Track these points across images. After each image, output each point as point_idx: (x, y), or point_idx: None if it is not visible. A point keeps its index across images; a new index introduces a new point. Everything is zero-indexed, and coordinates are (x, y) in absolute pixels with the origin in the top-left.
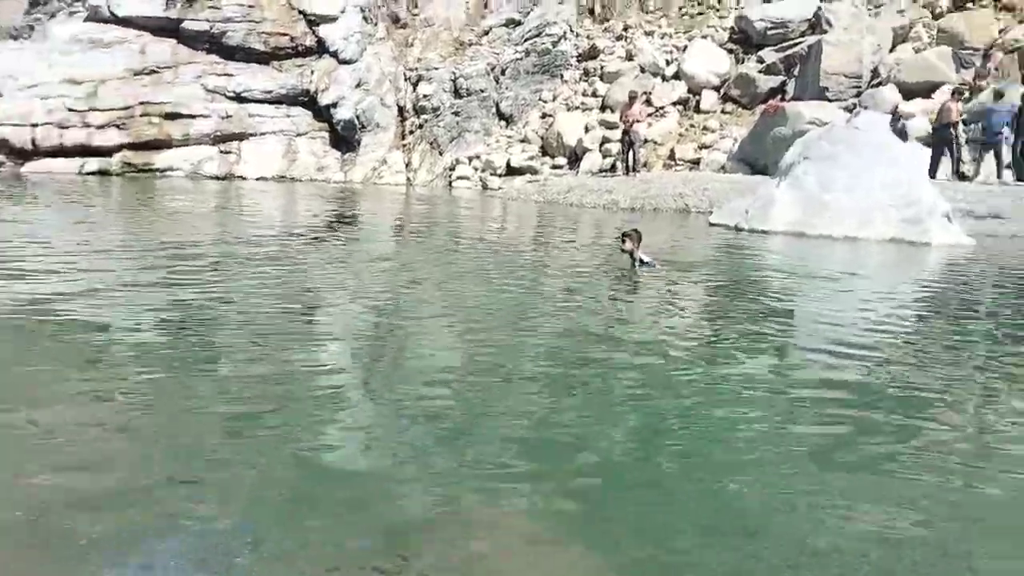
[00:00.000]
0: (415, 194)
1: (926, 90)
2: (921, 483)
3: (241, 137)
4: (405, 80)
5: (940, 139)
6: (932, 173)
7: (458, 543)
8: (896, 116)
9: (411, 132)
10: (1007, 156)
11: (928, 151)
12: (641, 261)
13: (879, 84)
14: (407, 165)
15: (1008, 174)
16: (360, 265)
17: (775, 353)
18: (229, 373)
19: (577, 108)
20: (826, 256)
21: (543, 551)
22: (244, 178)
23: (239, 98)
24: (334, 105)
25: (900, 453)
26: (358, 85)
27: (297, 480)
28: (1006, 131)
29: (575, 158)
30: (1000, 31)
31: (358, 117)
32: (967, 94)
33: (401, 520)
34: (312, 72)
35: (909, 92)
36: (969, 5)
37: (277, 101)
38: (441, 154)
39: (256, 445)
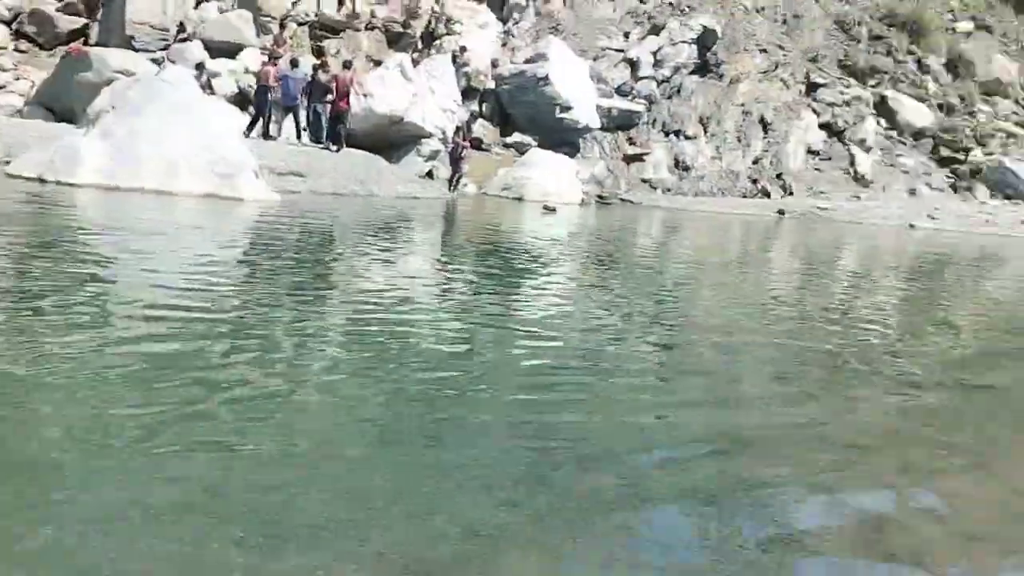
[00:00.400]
0: None
1: (231, 51)
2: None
3: None
4: None
5: (259, 101)
6: (249, 131)
7: None
8: (201, 69)
9: None
10: (303, 120)
11: (235, 108)
12: None
13: (186, 40)
14: None
15: (305, 136)
16: None
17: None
18: None
19: None
20: (145, 211)
21: None
22: None
23: None
24: None
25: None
26: None
27: None
28: (300, 97)
29: None
30: (292, 3)
31: None
32: (267, 58)
33: None
34: None
35: (215, 50)
36: None
37: None
38: None
39: None
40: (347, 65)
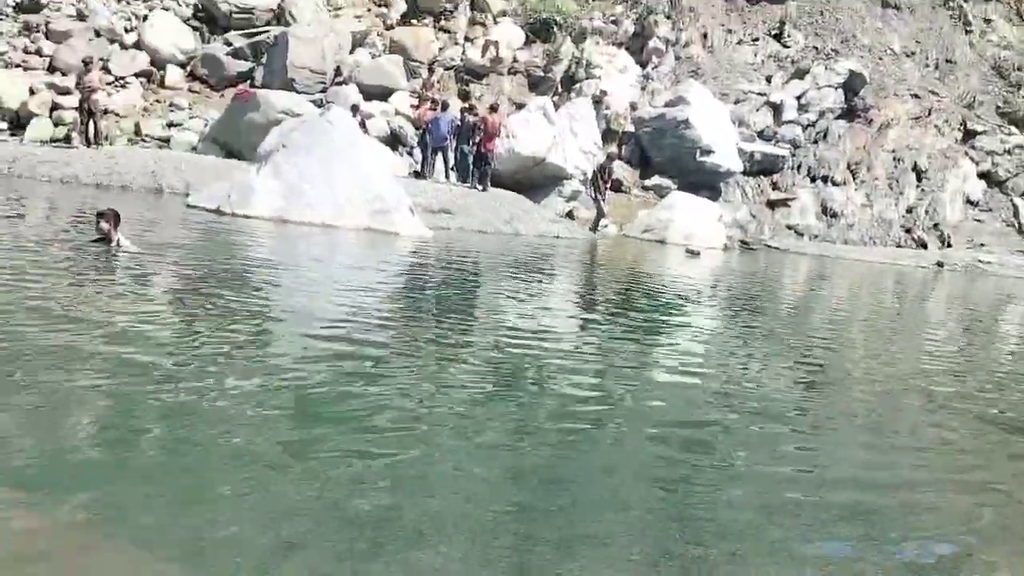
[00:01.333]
0: None
1: (383, 94)
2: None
3: None
4: None
5: (421, 142)
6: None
7: None
8: (356, 110)
9: None
10: (451, 160)
11: (387, 149)
12: (119, 244)
13: (343, 83)
14: None
15: (453, 176)
16: None
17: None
18: None
19: (18, 66)
20: (314, 244)
21: None
22: None
23: None
24: None
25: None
26: None
27: None
28: (450, 138)
29: (18, 124)
30: (440, 49)
31: None
32: (417, 102)
33: None
34: None
35: (369, 93)
36: (414, 21)
37: None
38: None
39: None
40: (494, 108)
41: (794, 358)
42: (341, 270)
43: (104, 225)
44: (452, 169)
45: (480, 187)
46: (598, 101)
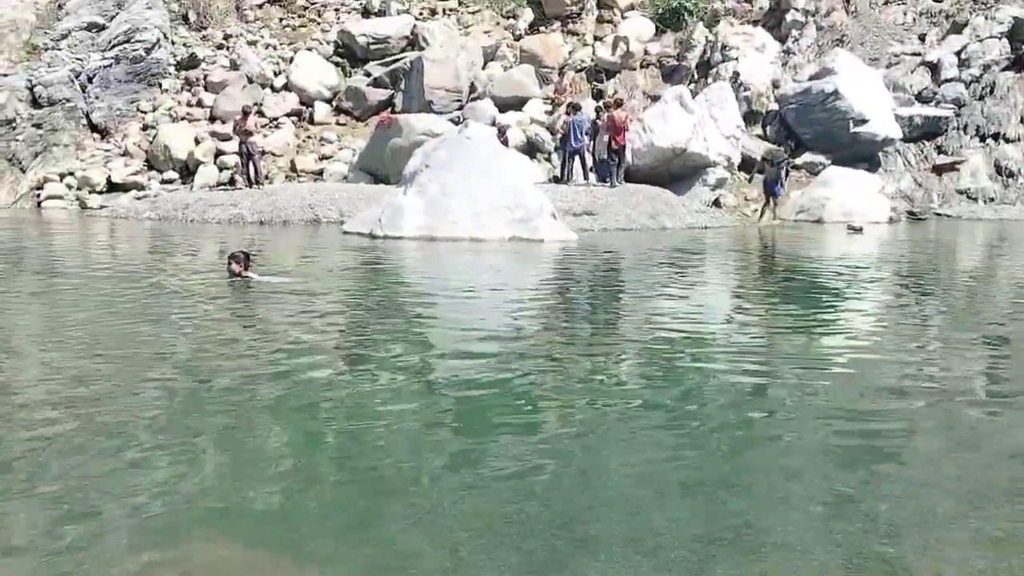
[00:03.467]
0: None
1: (517, 104)
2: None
3: None
4: None
5: (568, 150)
6: (565, 177)
7: None
8: (500, 128)
9: None
10: (589, 161)
11: (525, 158)
12: (249, 279)
13: (477, 98)
14: None
15: (592, 177)
16: None
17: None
18: None
19: (183, 119)
20: (461, 257)
21: None
22: None
23: None
24: None
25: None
26: None
27: None
28: (585, 139)
29: (188, 172)
30: (569, 52)
31: None
32: (551, 107)
33: None
34: None
35: (503, 105)
36: (542, 29)
37: None
38: (23, 171)
39: None
40: (618, 104)
41: (979, 337)
42: (490, 279)
43: (235, 267)
44: (591, 170)
45: (614, 184)
46: (737, 83)
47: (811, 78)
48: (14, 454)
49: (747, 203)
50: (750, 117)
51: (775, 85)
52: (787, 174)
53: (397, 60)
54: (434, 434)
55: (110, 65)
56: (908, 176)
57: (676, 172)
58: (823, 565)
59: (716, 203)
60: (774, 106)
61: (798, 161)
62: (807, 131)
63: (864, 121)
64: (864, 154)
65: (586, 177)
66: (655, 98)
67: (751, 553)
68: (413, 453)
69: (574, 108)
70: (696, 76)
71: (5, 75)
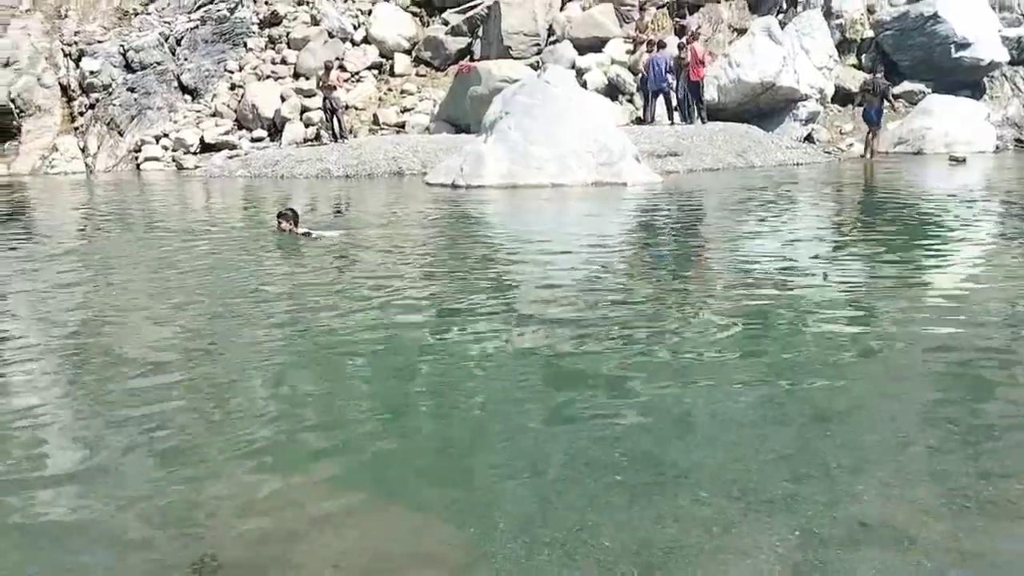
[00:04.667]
0: (101, 181)
1: (597, 45)
2: None
3: None
4: (65, 56)
5: (651, 89)
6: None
7: None
8: (573, 67)
9: (81, 113)
10: (674, 100)
11: (607, 100)
12: (308, 234)
13: (556, 41)
14: (83, 150)
15: (677, 116)
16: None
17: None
18: None
19: (268, 77)
20: (542, 203)
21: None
22: None
23: None
24: None
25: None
26: (6, 65)
27: None
28: (669, 78)
29: (275, 129)
30: None
31: (14, 101)
32: (633, 46)
33: None
34: None
35: (583, 47)
36: None
37: None
38: (122, 135)
39: None
40: (695, 36)
41: None
42: (574, 224)
43: (285, 225)
44: (675, 109)
45: (694, 122)
46: (829, 11)
47: (909, 1)
48: (128, 403)
49: (842, 137)
50: (844, 46)
51: (870, 11)
52: (888, 104)
53: (474, 6)
54: (525, 380)
55: (196, 27)
56: (1016, 102)
57: (765, 107)
58: (924, 504)
59: (808, 138)
60: (869, 33)
61: (896, 90)
62: (905, 58)
63: (967, 45)
64: (967, 80)
65: (671, 117)
66: (742, 31)
67: (847, 494)
68: (505, 398)
69: (658, 46)
70: (785, 6)
71: (100, 41)
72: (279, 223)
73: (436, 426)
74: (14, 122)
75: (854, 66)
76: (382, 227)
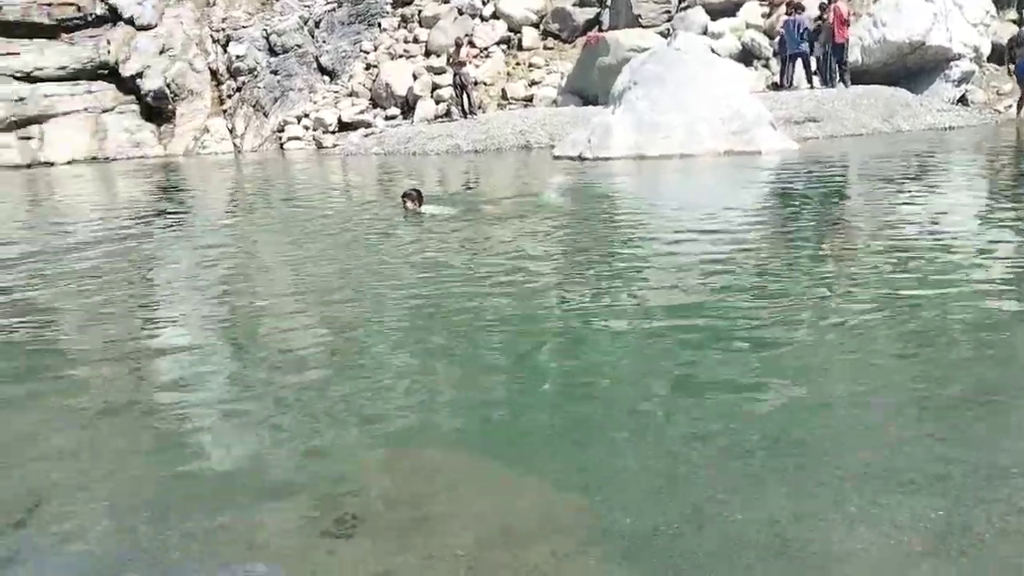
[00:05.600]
0: (248, 160)
1: (731, 10)
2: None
3: (40, 120)
4: (213, 42)
5: (789, 53)
6: (786, 83)
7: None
8: (705, 33)
9: (229, 96)
10: (813, 64)
11: (741, 66)
12: (431, 216)
13: (687, 7)
14: (231, 131)
15: (816, 80)
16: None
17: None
18: None
19: (401, 56)
20: (673, 175)
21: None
22: (51, 164)
23: (30, 78)
24: (139, 75)
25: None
26: (162, 52)
27: None
28: (804, 46)
29: (408, 107)
30: None
31: (168, 86)
32: (769, 9)
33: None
34: (108, 42)
35: (716, 12)
36: None
37: (74, 77)
38: (266, 116)
39: None
40: None
41: None
42: (704, 196)
43: (410, 205)
44: (814, 74)
45: (834, 85)
46: None
47: None
48: (265, 374)
49: (999, 98)
50: (1003, 0)
51: None
52: None
53: None
54: (656, 358)
55: (333, 9)
56: None
57: (913, 68)
58: None
59: (962, 100)
60: None
61: None
62: None
63: None
64: None
65: (810, 81)
66: None
67: (996, 478)
68: (635, 375)
69: (797, 8)
70: None
71: (244, 27)
72: (404, 203)
73: (565, 401)
74: (169, 106)
75: (1014, 21)
76: (507, 201)
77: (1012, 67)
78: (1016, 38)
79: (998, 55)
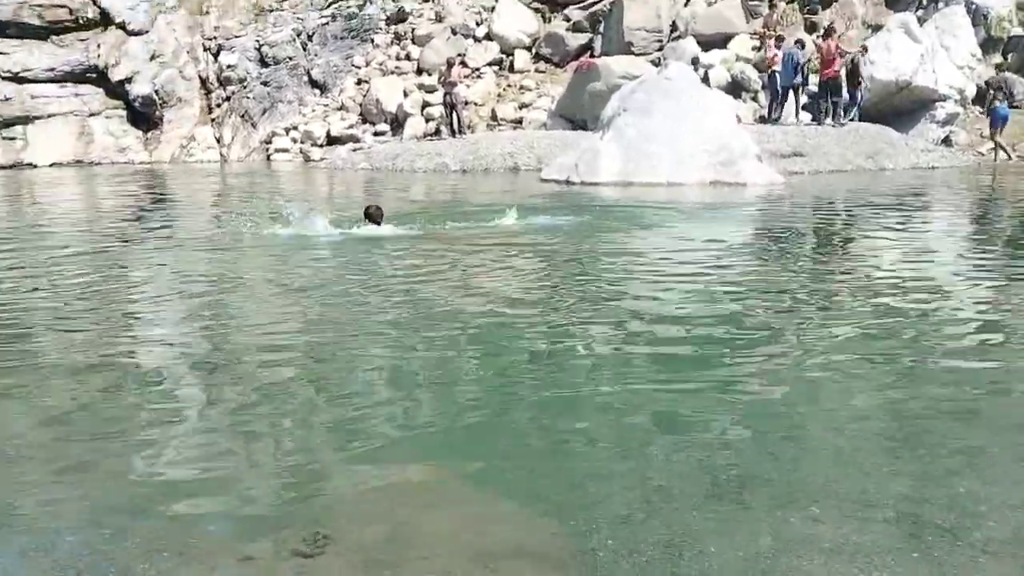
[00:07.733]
0: (232, 170)
1: (722, 41)
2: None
3: (25, 121)
4: (204, 51)
5: (772, 86)
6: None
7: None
8: (696, 63)
9: (218, 105)
10: (803, 98)
11: (729, 97)
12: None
13: (679, 37)
14: (218, 140)
15: (805, 115)
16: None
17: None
18: None
19: (392, 73)
20: (660, 205)
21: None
22: (34, 165)
23: (17, 78)
24: (128, 80)
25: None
26: (152, 58)
27: None
28: (800, 76)
29: (397, 124)
30: None
31: (157, 92)
32: (760, 43)
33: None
34: (99, 46)
35: (706, 43)
36: None
37: (61, 80)
38: (254, 127)
39: None
40: (828, 33)
41: None
42: (687, 227)
43: (372, 225)
44: (803, 108)
45: (833, 122)
46: (972, 7)
47: None
48: (253, 398)
49: (982, 140)
50: (989, 44)
51: (1020, 7)
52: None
53: (597, 2)
54: (637, 386)
55: (327, 23)
56: None
57: (900, 107)
58: None
59: (946, 141)
60: (1018, 31)
61: None
62: None
63: None
64: None
65: (797, 116)
66: (877, 28)
67: (972, 514)
68: (616, 403)
69: (797, 42)
70: (925, 1)
71: (237, 36)
72: (367, 218)
73: (546, 426)
74: (157, 112)
75: (998, 66)
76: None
77: (981, 111)
78: (993, 81)
79: (982, 97)
